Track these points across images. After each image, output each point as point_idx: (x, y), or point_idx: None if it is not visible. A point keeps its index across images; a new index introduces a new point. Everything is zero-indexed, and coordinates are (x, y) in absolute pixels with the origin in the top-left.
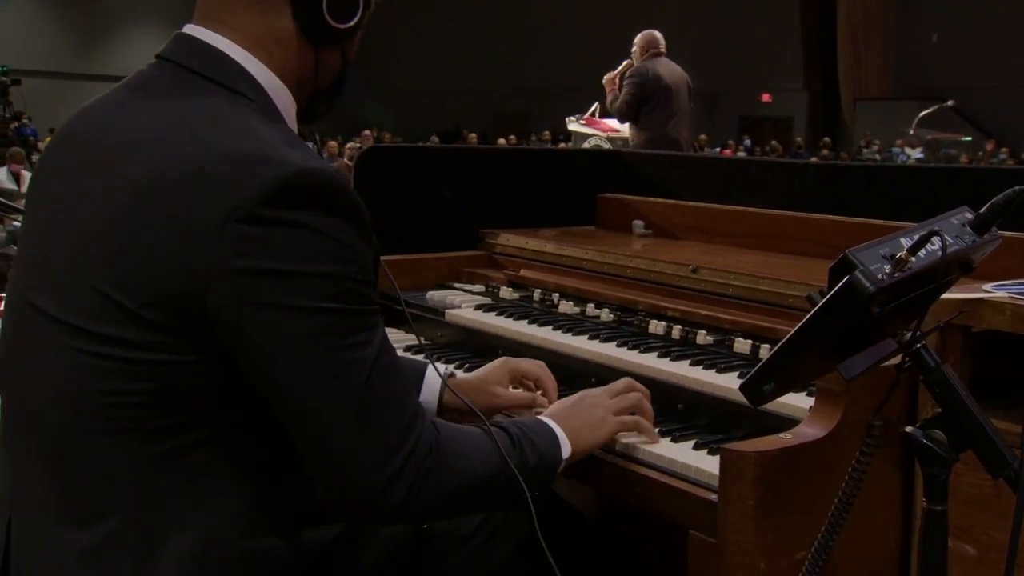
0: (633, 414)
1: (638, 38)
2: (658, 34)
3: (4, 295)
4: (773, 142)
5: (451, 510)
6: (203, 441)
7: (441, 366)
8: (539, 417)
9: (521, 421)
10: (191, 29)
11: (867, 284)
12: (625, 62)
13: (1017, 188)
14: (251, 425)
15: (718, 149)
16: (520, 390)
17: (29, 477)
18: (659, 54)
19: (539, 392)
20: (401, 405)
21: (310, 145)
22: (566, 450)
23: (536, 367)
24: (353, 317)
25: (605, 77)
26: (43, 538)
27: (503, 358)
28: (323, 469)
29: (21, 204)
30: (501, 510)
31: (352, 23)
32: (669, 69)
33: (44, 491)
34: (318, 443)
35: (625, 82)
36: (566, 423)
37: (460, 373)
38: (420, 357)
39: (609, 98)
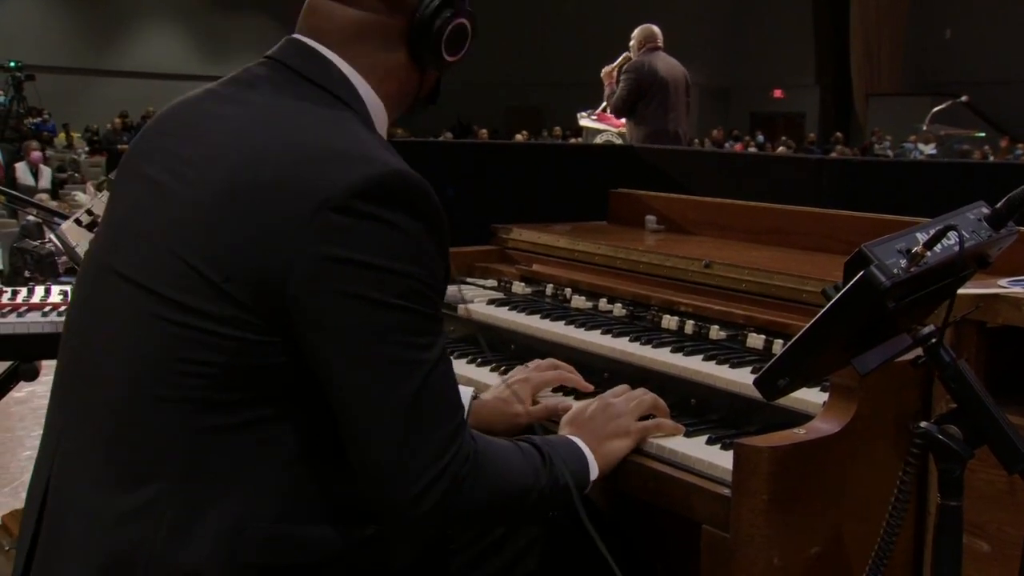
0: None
1: (636, 32)
2: (656, 28)
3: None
4: (784, 137)
5: (479, 521)
6: (259, 421)
7: (468, 390)
8: (568, 437)
9: (550, 440)
10: (302, 37)
11: (882, 279)
12: (623, 55)
13: None
14: (307, 412)
15: (730, 144)
16: (540, 404)
17: (77, 435)
18: (656, 48)
19: (561, 395)
20: (451, 413)
21: None
22: (594, 472)
23: (555, 376)
24: (421, 319)
25: (603, 71)
26: (80, 498)
27: (524, 377)
28: (364, 464)
29: (37, 199)
30: (527, 524)
31: (463, 52)
32: (667, 63)
33: (90, 451)
34: (364, 437)
35: (622, 77)
36: (593, 442)
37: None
38: None
39: (607, 92)
